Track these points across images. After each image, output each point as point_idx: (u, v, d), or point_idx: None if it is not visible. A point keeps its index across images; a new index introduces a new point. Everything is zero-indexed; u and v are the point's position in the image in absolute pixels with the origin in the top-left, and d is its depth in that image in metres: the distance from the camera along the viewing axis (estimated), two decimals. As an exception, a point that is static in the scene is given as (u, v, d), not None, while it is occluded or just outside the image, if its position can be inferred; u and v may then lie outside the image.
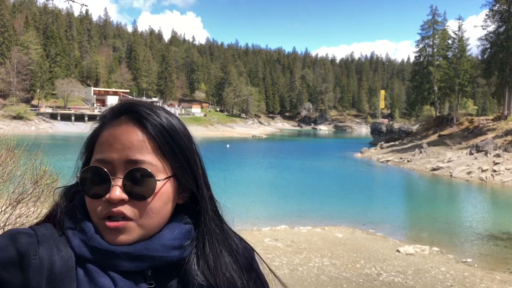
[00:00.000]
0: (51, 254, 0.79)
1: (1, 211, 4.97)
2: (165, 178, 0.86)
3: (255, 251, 1.04)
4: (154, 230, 0.86)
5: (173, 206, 0.90)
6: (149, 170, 0.83)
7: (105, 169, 0.83)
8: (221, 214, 0.98)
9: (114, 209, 0.82)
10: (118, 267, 0.81)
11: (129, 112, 0.88)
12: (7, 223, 5.01)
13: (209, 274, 0.88)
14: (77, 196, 0.89)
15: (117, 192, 0.81)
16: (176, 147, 0.87)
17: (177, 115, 0.95)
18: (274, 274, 1.06)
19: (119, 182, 0.82)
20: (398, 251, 11.23)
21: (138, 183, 0.83)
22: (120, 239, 0.82)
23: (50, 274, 0.77)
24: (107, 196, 0.82)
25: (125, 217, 0.82)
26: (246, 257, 0.99)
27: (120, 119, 0.88)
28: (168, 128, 0.87)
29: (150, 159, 0.84)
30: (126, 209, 0.82)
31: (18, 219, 5.07)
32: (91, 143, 0.90)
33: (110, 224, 0.82)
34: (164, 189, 0.86)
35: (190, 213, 0.93)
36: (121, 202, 0.82)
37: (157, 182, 0.84)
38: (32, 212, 5.18)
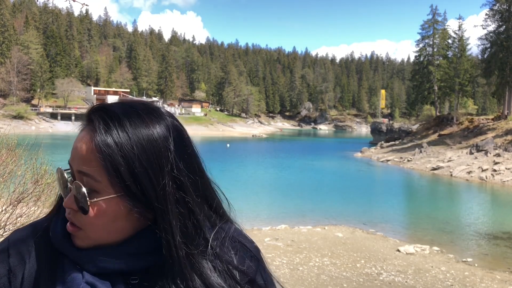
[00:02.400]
0: (23, 261, 0.84)
1: (2, 211, 4.98)
2: (109, 197, 0.79)
3: (261, 264, 0.95)
4: (111, 241, 0.82)
5: (133, 222, 0.82)
6: (83, 189, 0.78)
7: (66, 176, 0.83)
8: (207, 234, 0.86)
9: (68, 215, 0.82)
10: (86, 268, 0.81)
11: (89, 120, 0.83)
12: (7, 223, 5.02)
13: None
14: None
15: (68, 199, 0.81)
16: (125, 169, 0.78)
17: (160, 127, 0.82)
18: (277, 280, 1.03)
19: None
20: (398, 250, 11.23)
21: (79, 198, 0.79)
22: (76, 243, 0.82)
23: (24, 278, 0.83)
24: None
25: (75, 225, 0.82)
26: (247, 274, 0.90)
27: (86, 125, 0.84)
28: (120, 146, 0.78)
29: (96, 174, 0.78)
30: (75, 218, 0.81)
31: (18, 219, 5.08)
32: None
33: (67, 227, 0.82)
34: (108, 207, 0.79)
35: None
36: (73, 210, 0.81)
37: (96, 199, 0.79)
38: (33, 212, 5.19)
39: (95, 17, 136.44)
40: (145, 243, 0.83)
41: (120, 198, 0.79)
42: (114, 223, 0.81)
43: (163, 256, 0.82)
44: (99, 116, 0.80)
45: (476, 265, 10.68)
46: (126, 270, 0.82)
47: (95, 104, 0.86)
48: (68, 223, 0.82)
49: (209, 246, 0.85)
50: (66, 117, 75.88)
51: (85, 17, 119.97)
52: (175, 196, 0.81)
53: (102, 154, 0.77)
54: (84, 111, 75.91)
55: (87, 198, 0.78)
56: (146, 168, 0.78)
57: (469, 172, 29.35)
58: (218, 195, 0.93)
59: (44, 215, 0.94)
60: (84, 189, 0.78)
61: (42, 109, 75.14)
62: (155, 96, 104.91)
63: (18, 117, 66.51)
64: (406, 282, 8.72)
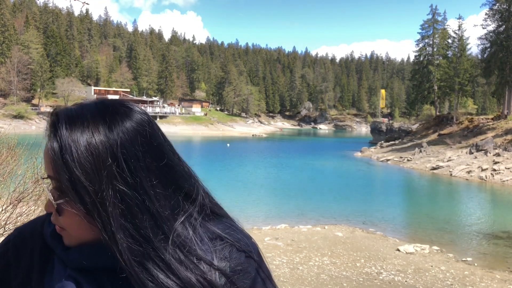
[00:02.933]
0: (20, 255, 0.91)
1: (2, 210, 4.99)
2: (64, 200, 0.81)
3: (257, 269, 0.90)
4: (94, 238, 0.82)
5: None
6: (48, 192, 0.83)
7: (45, 184, 0.88)
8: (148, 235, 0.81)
9: (52, 219, 0.85)
10: (70, 266, 0.84)
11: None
12: (8, 222, 5.03)
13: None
14: None
15: (46, 205, 0.85)
16: (65, 174, 0.78)
17: (106, 128, 0.80)
18: None
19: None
20: (398, 250, 11.24)
21: (50, 199, 0.83)
22: (64, 242, 0.85)
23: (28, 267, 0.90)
24: None
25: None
26: (228, 275, 0.84)
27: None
28: (62, 151, 0.78)
29: (56, 177, 0.81)
30: (56, 220, 0.84)
31: (19, 218, 5.09)
32: None
33: (56, 228, 0.86)
34: (72, 209, 0.80)
35: None
36: (54, 212, 0.84)
37: (58, 201, 0.81)
38: (33, 211, 5.20)
39: (95, 17, 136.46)
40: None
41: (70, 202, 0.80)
42: (83, 223, 0.81)
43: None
44: (51, 121, 0.82)
45: (475, 264, 10.69)
46: (110, 267, 0.82)
47: (54, 107, 0.86)
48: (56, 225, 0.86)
49: (170, 242, 0.80)
50: (66, 117, 75.85)
51: (85, 17, 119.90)
52: (117, 198, 0.78)
53: (50, 159, 0.79)
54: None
55: (52, 201, 0.82)
56: (81, 173, 0.77)
57: (468, 172, 29.36)
58: (198, 186, 0.89)
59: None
60: (49, 192, 0.82)
61: (43, 109, 75.07)
62: (155, 96, 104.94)
63: (19, 116, 66.54)
64: (406, 281, 8.73)
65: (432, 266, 9.97)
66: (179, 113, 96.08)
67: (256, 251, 0.91)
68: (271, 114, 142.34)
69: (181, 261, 0.80)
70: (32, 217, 5.11)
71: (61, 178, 0.78)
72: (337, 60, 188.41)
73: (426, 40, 59.84)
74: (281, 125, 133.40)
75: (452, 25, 58.72)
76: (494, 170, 28.28)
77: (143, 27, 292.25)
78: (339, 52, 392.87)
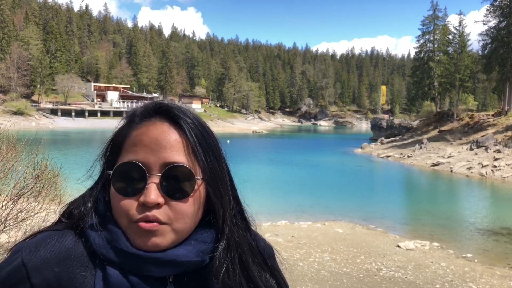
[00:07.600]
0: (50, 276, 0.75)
1: (3, 206, 4.98)
2: (200, 179, 0.82)
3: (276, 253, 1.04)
4: (186, 236, 0.82)
5: (202, 211, 0.85)
6: (190, 168, 0.80)
7: (143, 166, 0.79)
8: (248, 218, 0.96)
9: (149, 214, 0.77)
10: (142, 272, 0.77)
11: (162, 112, 0.84)
12: (8, 218, 5.02)
13: (232, 282, 0.85)
14: (99, 198, 0.84)
15: (152, 195, 0.76)
16: (209, 149, 0.84)
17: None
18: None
19: (156, 179, 0.78)
20: (398, 246, 11.24)
21: (178, 183, 0.79)
22: (152, 242, 0.77)
23: None
24: (142, 199, 0.77)
25: (159, 222, 0.77)
26: (268, 259, 0.97)
27: (153, 118, 0.83)
28: (202, 129, 0.84)
29: (185, 161, 0.80)
30: (161, 214, 0.77)
31: (19, 214, 5.08)
32: (118, 143, 0.84)
33: (144, 225, 0.76)
34: (200, 192, 0.82)
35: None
36: (157, 205, 0.77)
37: (197, 181, 0.81)
38: (33, 207, 5.20)
39: (95, 13, 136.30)
40: (210, 235, 0.85)
41: (205, 182, 0.83)
42: (199, 210, 0.84)
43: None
44: (169, 109, 0.85)
45: (476, 260, 10.69)
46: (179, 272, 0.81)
47: (152, 102, 0.86)
48: (142, 223, 0.77)
49: (249, 236, 0.93)
50: (66, 113, 75.88)
51: (85, 12, 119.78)
52: (231, 183, 0.93)
53: (191, 140, 0.82)
54: (84, 107, 74.82)
55: (194, 181, 0.81)
56: (219, 148, 0.88)
57: (469, 168, 29.34)
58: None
59: (48, 230, 0.83)
60: (187, 173, 0.80)
61: (42, 105, 75.07)
62: (155, 92, 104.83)
63: (18, 113, 66.53)
64: (406, 277, 8.74)
65: (432, 262, 9.98)
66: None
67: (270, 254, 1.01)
68: (271, 110, 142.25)
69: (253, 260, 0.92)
70: (33, 213, 5.11)
71: (220, 155, 0.87)
72: (338, 56, 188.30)
73: (427, 36, 59.66)
74: (281, 121, 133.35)
75: (453, 21, 58.57)
76: (495, 166, 28.27)
77: (143, 23, 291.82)
78: (339, 48, 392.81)
